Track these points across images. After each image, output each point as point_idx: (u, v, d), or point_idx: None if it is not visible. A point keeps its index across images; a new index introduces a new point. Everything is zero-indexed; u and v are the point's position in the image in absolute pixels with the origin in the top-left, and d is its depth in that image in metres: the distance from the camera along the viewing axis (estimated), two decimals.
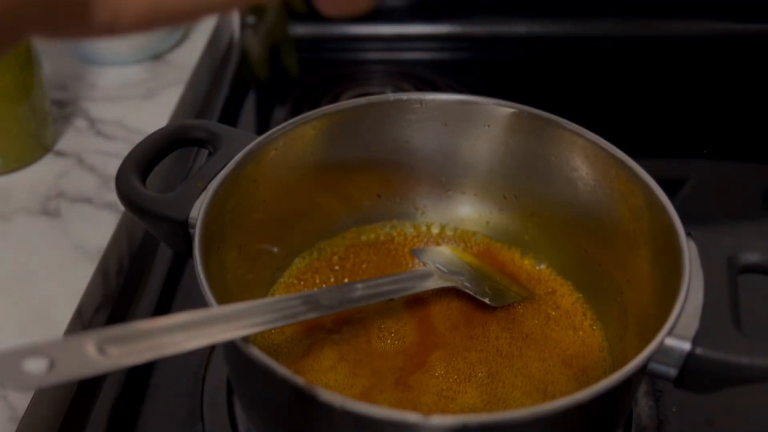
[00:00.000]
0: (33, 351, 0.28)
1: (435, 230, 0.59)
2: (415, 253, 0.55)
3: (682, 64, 0.95)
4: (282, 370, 0.35)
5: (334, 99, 0.85)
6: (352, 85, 0.89)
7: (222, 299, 0.39)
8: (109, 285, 0.61)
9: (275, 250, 0.54)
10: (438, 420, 0.34)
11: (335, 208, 0.56)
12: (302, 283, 0.54)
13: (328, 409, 0.34)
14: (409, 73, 0.91)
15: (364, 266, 0.55)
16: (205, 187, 0.46)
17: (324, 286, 0.54)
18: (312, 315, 0.41)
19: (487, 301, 0.51)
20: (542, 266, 0.56)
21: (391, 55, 0.98)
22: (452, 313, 0.51)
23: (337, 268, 0.55)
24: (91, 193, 0.67)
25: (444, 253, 0.55)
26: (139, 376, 0.53)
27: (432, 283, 0.50)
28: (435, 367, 0.47)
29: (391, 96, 0.54)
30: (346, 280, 0.54)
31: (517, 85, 0.92)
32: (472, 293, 0.51)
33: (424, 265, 0.53)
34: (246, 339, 0.36)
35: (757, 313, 0.44)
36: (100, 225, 0.63)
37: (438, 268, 0.52)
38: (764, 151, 0.81)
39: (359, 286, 0.45)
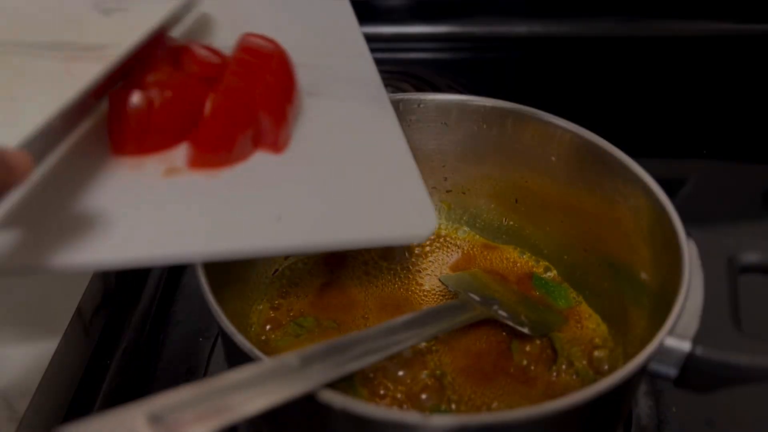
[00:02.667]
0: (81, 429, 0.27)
1: (437, 230, 0.59)
2: (443, 280, 0.53)
3: (682, 64, 0.95)
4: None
5: None
6: None
7: (222, 300, 0.39)
8: (109, 285, 0.61)
9: None
10: (438, 420, 0.33)
11: None
12: (302, 283, 0.54)
13: (328, 409, 0.33)
14: (409, 73, 0.91)
15: (364, 266, 0.55)
16: None
17: (324, 286, 0.54)
18: (364, 363, 0.38)
19: (526, 330, 0.49)
20: (542, 267, 0.56)
21: (391, 55, 0.98)
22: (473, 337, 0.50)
23: (337, 267, 0.55)
24: None
25: (471, 278, 0.54)
26: (140, 377, 0.53)
27: (468, 317, 0.48)
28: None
29: (391, 96, 0.54)
30: (346, 281, 0.54)
31: (517, 85, 0.92)
32: (511, 324, 0.49)
33: (454, 294, 0.51)
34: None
35: (757, 313, 0.44)
36: None
37: (470, 297, 0.50)
38: (764, 151, 0.81)
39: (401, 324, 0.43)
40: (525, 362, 0.48)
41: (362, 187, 0.45)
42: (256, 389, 0.32)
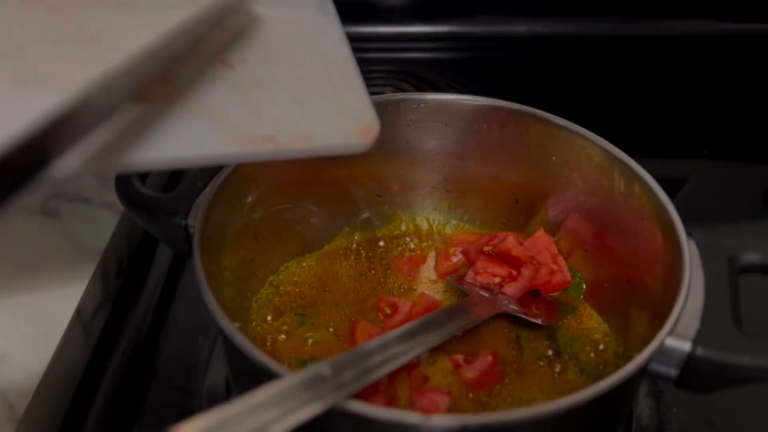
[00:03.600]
0: None
1: (436, 230, 0.59)
2: (451, 280, 0.53)
3: (682, 64, 0.95)
4: (283, 371, 0.35)
5: None
6: None
7: (221, 299, 0.39)
8: (109, 285, 0.61)
9: (275, 250, 0.54)
10: (438, 420, 0.33)
11: (335, 208, 0.56)
12: (301, 281, 0.54)
13: (328, 409, 0.33)
14: (409, 72, 0.91)
15: (366, 265, 0.55)
16: (204, 187, 0.46)
17: (324, 286, 0.54)
18: (391, 367, 0.39)
19: (539, 321, 0.50)
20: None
21: (391, 55, 0.98)
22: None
23: (338, 268, 0.55)
24: (90, 193, 0.66)
25: None
26: (139, 376, 0.53)
27: (481, 314, 0.48)
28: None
29: (391, 96, 0.54)
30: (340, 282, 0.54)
31: (517, 85, 0.92)
32: (522, 316, 0.50)
33: (465, 293, 0.51)
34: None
35: (757, 313, 0.44)
36: (99, 225, 0.63)
37: (480, 294, 0.51)
38: (764, 151, 0.81)
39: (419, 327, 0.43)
40: (528, 358, 0.48)
41: (300, 96, 0.42)
42: (294, 402, 0.32)
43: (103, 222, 0.63)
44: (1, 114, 0.32)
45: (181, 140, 0.36)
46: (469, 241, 0.55)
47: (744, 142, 0.82)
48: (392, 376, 0.44)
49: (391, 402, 0.43)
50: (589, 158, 0.50)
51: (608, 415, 0.42)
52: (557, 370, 0.47)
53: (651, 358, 0.37)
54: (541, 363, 0.48)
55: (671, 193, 0.45)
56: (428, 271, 0.55)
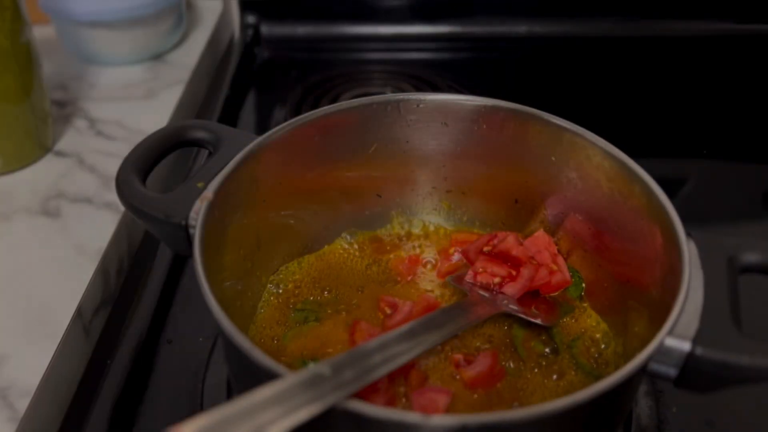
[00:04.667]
0: None
1: (436, 230, 0.59)
2: (451, 280, 0.53)
3: (682, 64, 0.95)
4: (283, 371, 0.35)
5: (334, 99, 0.85)
6: (352, 85, 0.89)
7: (222, 300, 0.39)
8: (109, 285, 0.61)
9: (275, 250, 0.54)
10: (438, 420, 0.33)
11: (335, 208, 0.56)
12: (302, 282, 0.54)
13: (328, 409, 0.33)
14: (409, 73, 0.91)
15: (366, 265, 0.55)
16: (205, 187, 0.46)
17: (324, 286, 0.54)
18: (391, 367, 0.39)
19: (538, 321, 0.50)
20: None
21: (391, 55, 0.98)
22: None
23: (338, 268, 0.55)
24: (91, 193, 0.67)
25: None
26: (140, 377, 0.53)
27: (481, 314, 0.48)
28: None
29: (391, 96, 0.54)
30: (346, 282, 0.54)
31: (517, 85, 0.92)
32: (523, 316, 0.50)
33: (465, 293, 0.51)
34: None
35: (757, 313, 0.44)
36: (100, 225, 0.63)
37: (480, 294, 0.51)
38: (764, 151, 0.81)
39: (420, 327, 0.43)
40: (528, 358, 0.48)
41: None
42: (294, 402, 0.32)
43: (103, 222, 0.63)
44: None
45: None
46: (468, 241, 0.55)
47: (744, 142, 0.82)
48: (392, 376, 0.44)
49: (391, 401, 0.43)
50: (588, 158, 0.50)
51: (608, 415, 0.42)
52: (557, 370, 0.47)
53: (650, 358, 0.37)
54: (541, 363, 0.48)
55: (671, 193, 0.45)
56: (428, 271, 0.55)
